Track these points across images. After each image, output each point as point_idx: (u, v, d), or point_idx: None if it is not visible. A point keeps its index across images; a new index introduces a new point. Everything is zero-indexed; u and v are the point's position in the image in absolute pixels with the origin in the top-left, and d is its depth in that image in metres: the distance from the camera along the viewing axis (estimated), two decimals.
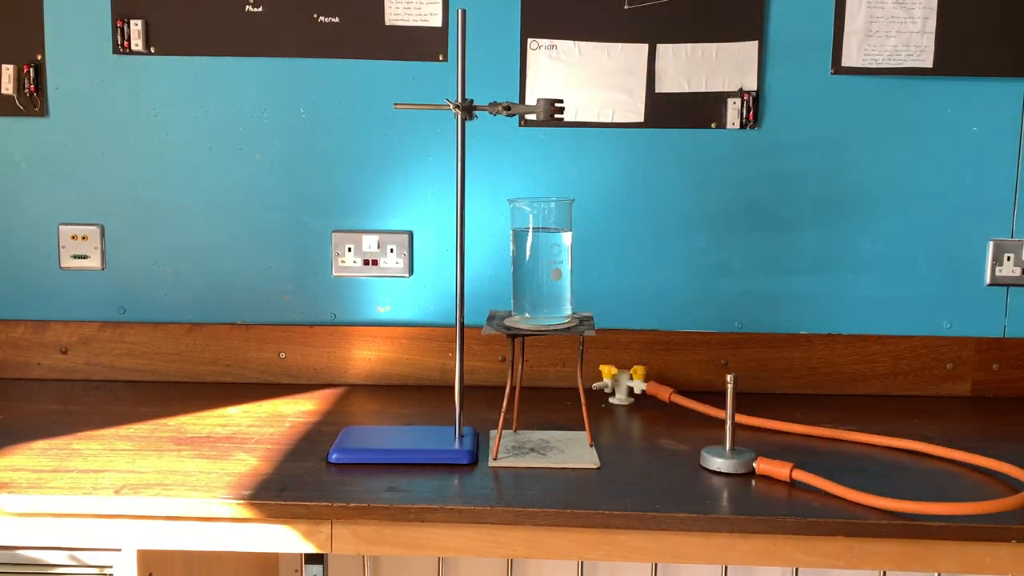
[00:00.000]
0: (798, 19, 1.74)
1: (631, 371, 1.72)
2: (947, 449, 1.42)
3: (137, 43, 1.77)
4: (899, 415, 1.66)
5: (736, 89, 1.75)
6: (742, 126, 1.76)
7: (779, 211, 1.78)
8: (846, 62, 1.74)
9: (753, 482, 1.32)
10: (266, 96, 1.79)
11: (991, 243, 1.77)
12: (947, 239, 1.78)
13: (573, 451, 1.42)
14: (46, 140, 1.81)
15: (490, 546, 1.24)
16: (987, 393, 1.79)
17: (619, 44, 1.75)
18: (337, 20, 1.77)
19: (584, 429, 1.45)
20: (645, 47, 1.75)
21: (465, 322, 1.42)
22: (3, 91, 1.78)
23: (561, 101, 1.36)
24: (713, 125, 1.76)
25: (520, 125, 1.79)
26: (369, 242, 1.81)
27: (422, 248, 1.82)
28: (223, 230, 1.82)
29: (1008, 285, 1.78)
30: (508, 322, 1.42)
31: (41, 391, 1.76)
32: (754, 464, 1.34)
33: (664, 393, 1.69)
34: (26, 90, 1.79)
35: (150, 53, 1.78)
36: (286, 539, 1.25)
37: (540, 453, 1.41)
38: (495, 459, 1.38)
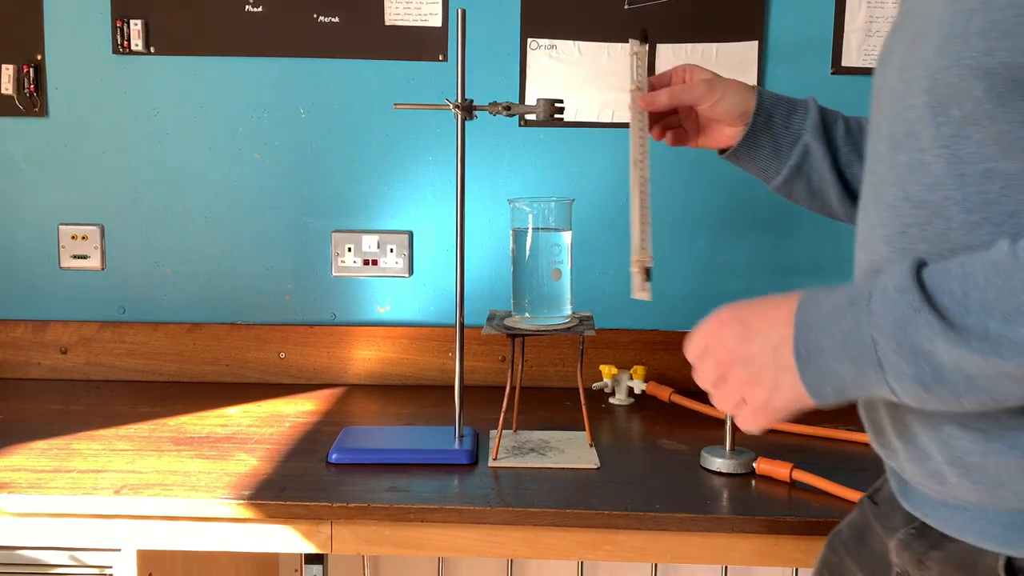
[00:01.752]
0: (798, 19, 1.74)
1: (631, 371, 1.72)
2: None
3: (137, 43, 1.77)
4: None
5: None
6: None
7: (779, 211, 1.78)
8: (846, 62, 1.74)
9: (753, 482, 1.32)
10: (266, 96, 1.79)
11: None
12: None
13: (573, 451, 1.42)
14: (46, 140, 1.81)
15: (490, 546, 1.24)
16: None
17: (619, 44, 1.75)
18: (337, 20, 1.77)
19: (584, 429, 1.45)
20: (645, 47, 1.75)
21: (465, 322, 1.42)
22: (3, 91, 1.78)
23: (561, 101, 1.36)
24: None
25: (520, 125, 1.79)
26: (369, 242, 1.81)
27: (422, 248, 1.82)
28: (223, 230, 1.82)
29: None
30: (508, 322, 1.42)
31: (41, 391, 1.76)
32: (754, 464, 1.34)
33: (664, 393, 1.69)
34: (26, 90, 1.79)
35: (150, 53, 1.78)
36: (286, 539, 1.25)
37: (540, 453, 1.41)
38: (495, 459, 1.38)
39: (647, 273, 1.06)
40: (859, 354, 0.71)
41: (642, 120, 1.17)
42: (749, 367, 0.78)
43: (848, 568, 0.96)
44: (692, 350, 0.83)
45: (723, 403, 0.82)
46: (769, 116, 1.12)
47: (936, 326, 0.67)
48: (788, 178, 1.13)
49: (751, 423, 0.80)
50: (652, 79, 1.18)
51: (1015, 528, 0.75)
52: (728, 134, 1.16)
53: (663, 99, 1.15)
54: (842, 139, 1.11)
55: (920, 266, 0.71)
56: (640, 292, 1.06)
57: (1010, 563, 0.75)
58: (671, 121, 1.21)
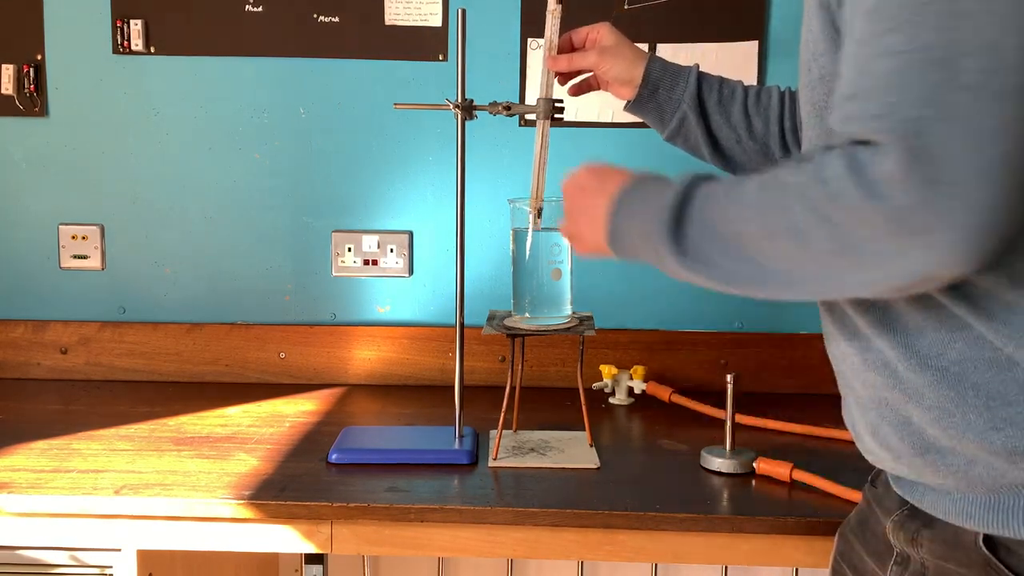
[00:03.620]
0: (798, 19, 1.73)
1: (631, 371, 1.72)
2: None
3: (137, 43, 1.77)
4: None
5: None
6: None
7: None
8: None
9: (753, 482, 1.32)
10: (266, 96, 1.79)
11: None
12: None
13: (573, 451, 1.42)
14: (46, 140, 1.81)
15: (490, 546, 1.24)
16: None
17: None
18: (337, 20, 1.77)
19: (584, 429, 1.45)
20: (645, 47, 1.75)
21: (465, 322, 1.42)
22: (3, 91, 1.78)
23: (561, 101, 1.36)
24: None
25: (520, 125, 1.79)
26: (369, 242, 1.81)
27: (422, 248, 1.82)
28: (223, 230, 1.82)
29: None
30: (508, 322, 1.42)
31: (41, 391, 1.76)
32: (754, 464, 1.34)
33: (664, 393, 1.69)
34: (26, 90, 1.79)
35: (150, 53, 1.78)
36: (286, 539, 1.25)
37: (540, 453, 1.41)
38: (495, 459, 1.38)
39: (539, 212, 1.35)
40: (635, 241, 0.93)
41: (549, 75, 1.34)
42: (585, 213, 1.00)
43: (857, 553, 1.03)
44: (565, 192, 1.06)
45: (566, 231, 1.07)
46: (655, 87, 1.29)
47: (670, 248, 0.88)
48: (671, 136, 1.32)
49: (577, 249, 1.06)
50: (563, 37, 1.33)
51: (992, 509, 0.84)
52: (624, 93, 1.32)
53: (563, 64, 1.32)
54: (714, 107, 1.29)
55: (695, 187, 0.86)
56: (533, 224, 1.36)
57: (988, 537, 0.85)
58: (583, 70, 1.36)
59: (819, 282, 0.81)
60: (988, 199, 0.69)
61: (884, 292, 0.81)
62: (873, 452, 0.95)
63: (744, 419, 1.54)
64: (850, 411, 0.98)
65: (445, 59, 1.76)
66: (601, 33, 1.31)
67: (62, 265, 1.83)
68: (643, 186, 0.93)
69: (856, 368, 0.92)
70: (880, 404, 0.90)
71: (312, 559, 1.91)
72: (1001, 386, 0.82)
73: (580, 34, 1.33)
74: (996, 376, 0.82)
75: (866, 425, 0.94)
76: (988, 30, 0.69)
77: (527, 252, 1.41)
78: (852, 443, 1.48)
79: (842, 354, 0.94)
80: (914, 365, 0.85)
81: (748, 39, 1.74)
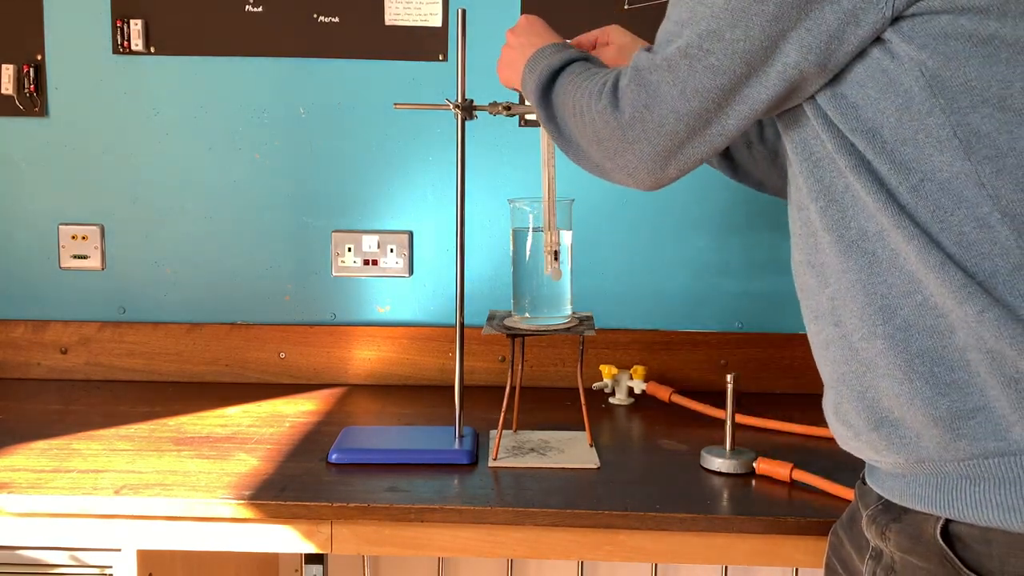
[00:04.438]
0: None
1: (631, 371, 1.72)
2: None
3: (137, 43, 1.77)
4: None
5: None
6: None
7: (779, 211, 1.77)
8: None
9: (753, 482, 1.32)
10: (266, 96, 1.79)
11: None
12: None
13: (573, 451, 1.42)
14: (46, 140, 1.81)
15: (490, 546, 1.24)
16: None
17: None
18: (337, 20, 1.77)
19: (584, 429, 1.45)
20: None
21: (465, 322, 1.42)
22: (3, 91, 1.78)
23: None
24: None
25: (520, 125, 1.79)
26: (369, 242, 1.81)
27: (422, 248, 1.82)
28: (223, 230, 1.82)
29: None
30: (508, 322, 1.42)
31: (41, 391, 1.76)
32: (754, 464, 1.34)
33: (664, 393, 1.69)
34: (26, 90, 1.79)
35: (150, 53, 1.78)
36: (286, 539, 1.25)
37: (540, 453, 1.41)
38: (495, 459, 1.38)
39: (555, 255, 1.37)
40: (528, 90, 1.17)
41: None
42: (510, 61, 1.24)
43: (845, 547, 1.05)
44: (507, 37, 1.26)
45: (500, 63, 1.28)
46: None
47: (540, 104, 1.14)
48: None
49: (499, 74, 1.28)
50: (576, 39, 1.34)
51: (941, 490, 0.88)
52: None
53: None
54: None
55: (564, 68, 1.12)
56: (549, 269, 1.36)
57: (946, 530, 0.87)
58: None
59: (590, 158, 1.07)
60: (680, 134, 0.96)
61: (623, 182, 1.05)
62: (837, 432, 0.99)
63: (744, 419, 1.54)
64: (824, 398, 1.01)
65: (445, 59, 1.76)
66: (611, 35, 1.32)
67: (62, 265, 1.83)
68: (540, 56, 1.16)
69: (820, 348, 0.98)
70: (839, 381, 0.95)
71: (312, 559, 1.91)
72: (944, 352, 0.86)
73: (589, 36, 1.33)
74: (938, 343, 0.86)
75: (830, 405, 0.98)
76: (716, 22, 0.90)
77: (527, 252, 1.41)
78: None
79: (810, 336, 1.00)
80: (866, 335, 0.90)
81: None
